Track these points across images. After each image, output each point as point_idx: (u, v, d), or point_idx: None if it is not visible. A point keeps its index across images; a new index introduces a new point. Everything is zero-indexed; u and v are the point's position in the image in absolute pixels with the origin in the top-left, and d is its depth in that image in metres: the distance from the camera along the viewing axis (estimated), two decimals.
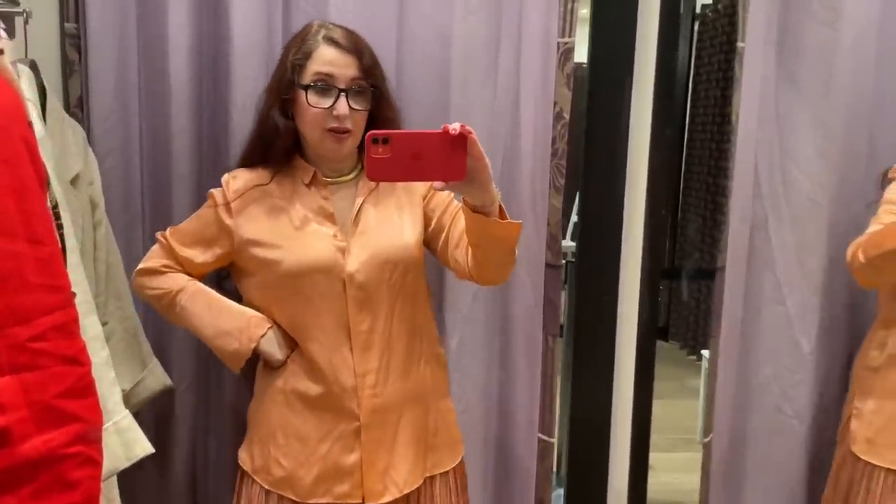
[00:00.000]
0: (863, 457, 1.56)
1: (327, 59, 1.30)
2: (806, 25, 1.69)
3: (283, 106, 1.33)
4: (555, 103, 1.68)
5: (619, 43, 1.74)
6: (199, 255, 1.39)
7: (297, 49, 1.32)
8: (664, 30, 1.73)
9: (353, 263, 1.32)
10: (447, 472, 1.46)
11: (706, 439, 1.84)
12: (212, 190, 1.40)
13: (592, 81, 1.76)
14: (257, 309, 1.39)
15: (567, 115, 1.68)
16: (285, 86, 1.32)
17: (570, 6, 1.65)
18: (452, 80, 1.63)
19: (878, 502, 1.52)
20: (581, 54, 1.74)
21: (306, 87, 1.30)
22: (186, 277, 1.41)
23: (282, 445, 1.36)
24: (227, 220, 1.36)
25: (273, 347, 1.36)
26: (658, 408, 2.09)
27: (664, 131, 1.75)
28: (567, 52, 1.66)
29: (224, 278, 1.50)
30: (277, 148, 1.35)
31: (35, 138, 0.84)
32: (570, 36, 1.66)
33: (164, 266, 1.41)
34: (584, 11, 1.74)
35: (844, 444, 1.62)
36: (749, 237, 1.78)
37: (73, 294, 0.87)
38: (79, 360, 0.81)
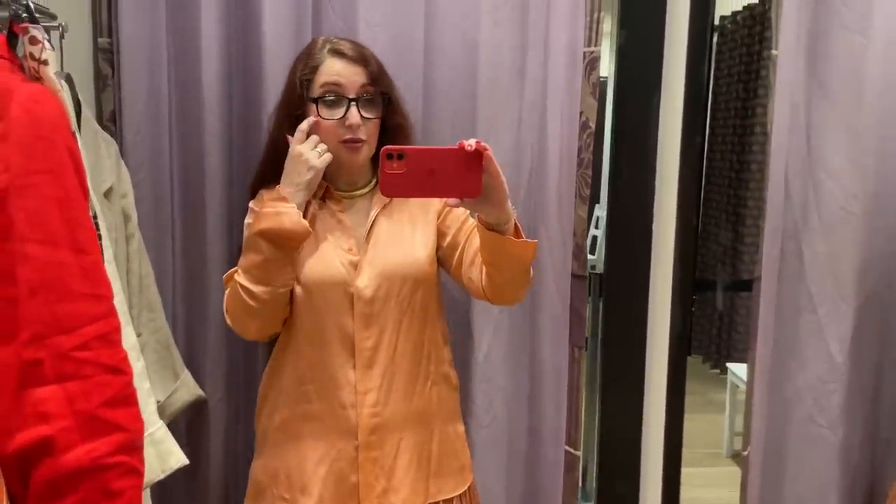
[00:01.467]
0: None
1: (335, 69, 1.30)
2: (836, 32, 1.68)
3: (293, 123, 1.32)
4: (581, 113, 1.68)
5: (647, 52, 1.73)
6: None
7: (303, 65, 1.32)
8: (694, 39, 1.73)
9: (363, 279, 1.31)
10: (451, 499, 1.41)
11: (745, 452, 1.81)
12: (250, 204, 1.37)
13: (619, 92, 1.75)
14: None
15: (593, 125, 1.68)
16: (295, 102, 1.32)
17: (595, 16, 1.65)
18: (479, 90, 1.63)
19: None
20: (605, 65, 1.74)
21: (316, 100, 1.30)
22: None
23: (283, 481, 1.35)
24: None
25: (292, 223, 1.26)
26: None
27: (694, 140, 1.74)
28: (593, 62, 1.66)
29: None
30: None
31: (78, 148, 0.85)
32: (595, 45, 1.66)
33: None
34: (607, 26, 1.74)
35: None
36: (781, 246, 1.76)
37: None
38: (122, 369, 0.81)
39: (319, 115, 1.29)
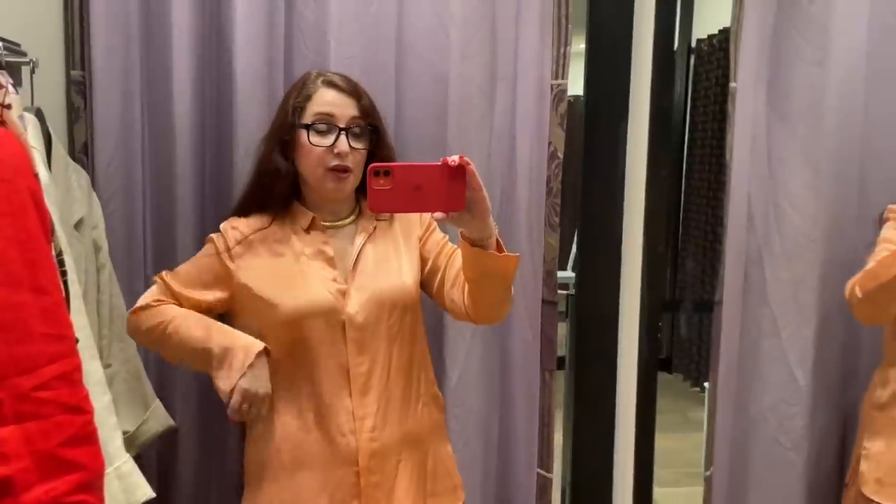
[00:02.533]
0: (873, 497, 1.55)
1: (327, 99, 1.33)
2: (795, 65, 1.73)
3: (283, 149, 1.35)
4: (549, 143, 1.71)
5: (613, 83, 1.77)
6: (198, 297, 1.38)
7: (297, 94, 1.36)
8: (658, 68, 1.77)
9: (353, 305, 1.33)
10: None
11: (707, 473, 1.84)
12: (211, 235, 1.40)
13: (588, 122, 1.79)
14: None
15: (561, 155, 1.72)
16: (286, 128, 1.35)
17: (562, 50, 1.69)
18: (450, 122, 1.67)
19: None
20: (575, 91, 1.78)
21: (308, 127, 1.33)
22: (179, 308, 1.37)
23: (276, 494, 1.34)
24: (229, 265, 1.36)
25: (265, 369, 1.31)
26: (662, 441, 2.08)
27: (660, 171, 1.78)
28: (560, 94, 1.70)
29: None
30: (278, 191, 1.36)
31: (41, 189, 0.86)
32: (562, 78, 1.70)
33: (158, 301, 1.38)
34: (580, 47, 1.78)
35: (855, 486, 1.61)
36: (745, 271, 1.79)
37: (77, 340, 0.89)
38: (82, 407, 0.82)
39: (310, 141, 1.33)
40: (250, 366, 1.28)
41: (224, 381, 1.29)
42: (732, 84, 1.73)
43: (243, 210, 1.41)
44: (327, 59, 1.61)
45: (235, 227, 1.38)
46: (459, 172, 1.11)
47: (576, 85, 1.75)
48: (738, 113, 1.73)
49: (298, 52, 1.63)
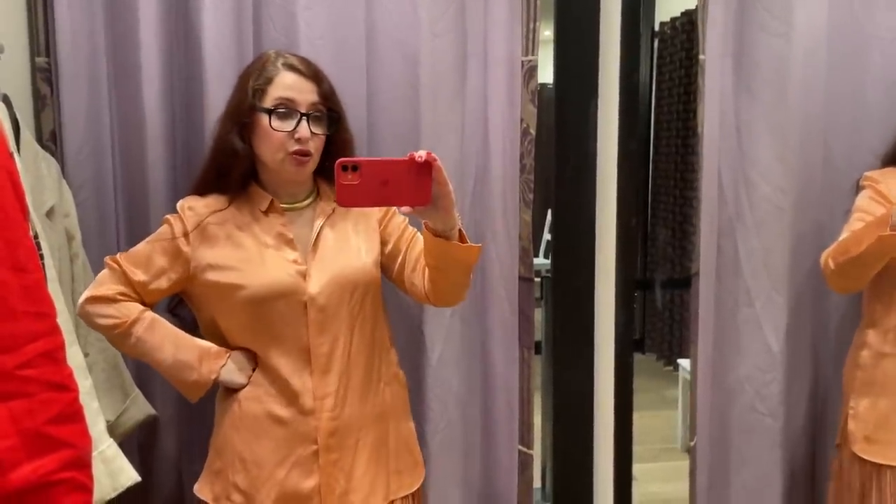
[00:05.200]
0: (863, 455, 1.60)
1: (288, 83, 1.33)
2: (760, 38, 1.76)
3: (240, 131, 1.34)
4: (521, 120, 1.72)
5: (582, 62, 1.79)
6: (154, 281, 1.36)
7: (257, 75, 1.35)
8: (625, 47, 1.79)
9: (315, 286, 1.34)
10: (409, 495, 1.46)
11: (692, 442, 1.88)
12: (168, 216, 1.38)
13: (559, 100, 1.80)
14: (217, 336, 1.39)
15: (533, 132, 1.73)
16: (245, 110, 1.33)
17: (531, 26, 1.70)
18: (422, 102, 1.66)
19: (886, 500, 1.56)
20: (546, 74, 1.80)
21: (269, 112, 1.32)
22: (140, 307, 1.36)
23: (240, 471, 1.36)
24: (185, 248, 1.35)
25: (233, 376, 1.36)
26: (639, 419, 2.11)
27: (629, 145, 1.80)
28: (531, 70, 1.71)
29: (177, 305, 1.47)
30: (235, 173, 1.36)
31: (17, 168, 0.85)
32: (532, 54, 1.71)
33: (119, 294, 1.35)
34: (548, 33, 1.79)
35: (846, 446, 1.66)
36: (717, 243, 1.83)
37: None
38: (67, 385, 0.81)
39: (271, 126, 1.32)
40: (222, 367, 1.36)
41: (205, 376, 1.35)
42: (702, 56, 1.76)
43: (200, 189, 1.40)
44: (296, 41, 1.60)
45: (192, 208, 1.37)
46: (426, 168, 1.14)
47: (545, 72, 1.77)
48: (706, 86, 1.76)
49: (267, 35, 1.62)
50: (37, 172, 1.37)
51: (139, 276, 1.36)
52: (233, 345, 1.39)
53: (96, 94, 1.58)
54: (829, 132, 1.78)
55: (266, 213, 1.37)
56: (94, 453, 1.17)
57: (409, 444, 1.48)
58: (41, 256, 1.08)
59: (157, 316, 1.37)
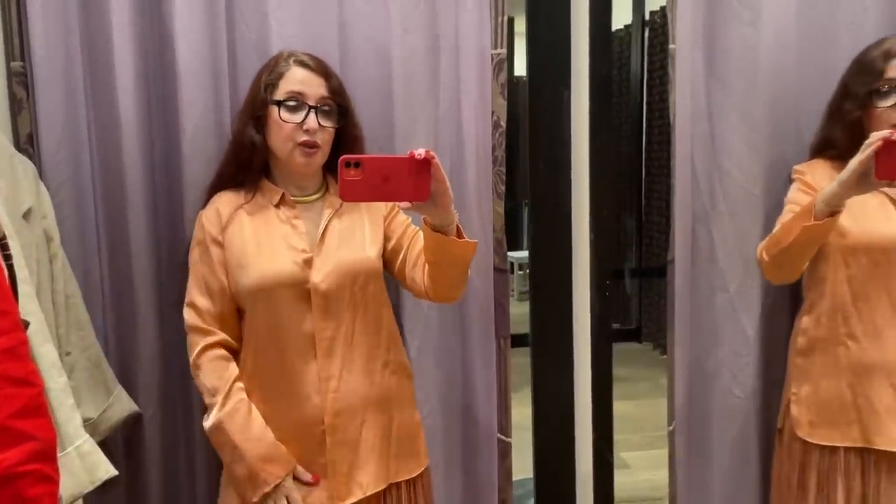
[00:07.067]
0: (808, 439, 1.63)
1: (298, 78, 1.42)
2: (730, 26, 1.78)
3: (255, 124, 1.43)
4: (492, 112, 1.74)
5: (554, 55, 1.81)
6: (227, 307, 1.44)
7: (269, 72, 1.44)
8: (596, 38, 1.81)
9: (318, 274, 1.41)
10: (411, 480, 1.51)
11: (670, 427, 1.90)
12: (195, 234, 1.47)
13: (532, 94, 1.82)
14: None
15: (504, 124, 1.75)
16: (259, 104, 1.42)
17: (500, 19, 1.72)
18: (396, 97, 1.68)
19: (835, 482, 1.59)
20: (520, 67, 1.81)
21: (279, 104, 1.40)
22: (237, 400, 1.41)
23: None
24: (220, 251, 1.44)
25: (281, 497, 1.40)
26: (633, 407, 2.12)
27: (600, 136, 1.82)
28: (500, 63, 1.73)
29: None
30: (253, 164, 1.45)
31: None
32: (501, 47, 1.73)
33: (212, 344, 1.43)
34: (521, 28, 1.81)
35: (788, 430, 1.68)
36: (692, 230, 1.85)
37: (27, 323, 0.90)
38: (30, 381, 0.84)
39: (280, 118, 1.40)
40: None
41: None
42: (672, 46, 1.78)
43: (220, 183, 1.49)
44: (268, 40, 1.62)
45: (210, 219, 1.45)
46: (425, 165, 1.20)
47: (518, 66, 1.79)
48: (678, 75, 1.78)
49: (240, 34, 1.64)
50: (13, 175, 1.39)
51: (214, 310, 1.44)
52: (245, 335, 1.45)
53: (72, 97, 1.60)
54: (799, 118, 1.80)
55: (277, 206, 1.45)
56: (71, 448, 1.19)
57: (412, 433, 1.53)
58: (9, 257, 1.10)
59: (242, 399, 1.42)
